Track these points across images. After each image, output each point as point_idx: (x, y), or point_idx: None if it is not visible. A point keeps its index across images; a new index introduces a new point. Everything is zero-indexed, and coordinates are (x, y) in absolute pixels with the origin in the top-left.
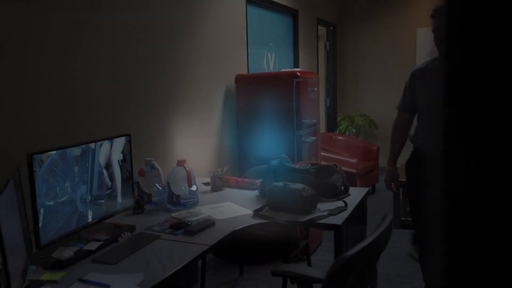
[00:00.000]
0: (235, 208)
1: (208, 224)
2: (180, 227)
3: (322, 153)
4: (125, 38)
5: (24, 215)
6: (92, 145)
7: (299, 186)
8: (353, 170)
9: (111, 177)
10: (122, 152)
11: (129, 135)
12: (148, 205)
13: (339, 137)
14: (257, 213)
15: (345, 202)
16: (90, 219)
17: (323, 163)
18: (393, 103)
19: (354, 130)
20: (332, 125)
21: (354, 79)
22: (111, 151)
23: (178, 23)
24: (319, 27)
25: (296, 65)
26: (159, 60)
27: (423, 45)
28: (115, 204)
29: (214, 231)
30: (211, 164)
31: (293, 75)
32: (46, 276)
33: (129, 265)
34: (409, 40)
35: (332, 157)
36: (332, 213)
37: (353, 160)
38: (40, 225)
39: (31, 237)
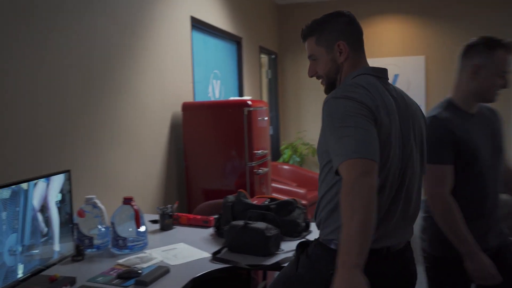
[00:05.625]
0: (190, 250)
1: (162, 272)
2: (130, 276)
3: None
4: (64, 65)
5: None
6: (24, 185)
7: (261, 225)
8: (304, 201)
9: (47, 221)
10: (61, 192)
11: (69, 171)
12: (89, 250)
13: (284, 166)
14: (215, 256)
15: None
16: (20, 274)
17: (282, 197)
18: None
19: (298, 159)
20: (276, 153)
21: (296, 107)
22: (47, 191)
23: (122, 49)
24: (261, 55)
25: (241, 93)
26: (101, 88)
27: None
28: (51, 253)
29: (170, 280)
30: (157, 200)
31: (243, 104)
32: None
33: None
34: None
35: (282, 188)
36: None
37: (302, 191)
38: None
39: None
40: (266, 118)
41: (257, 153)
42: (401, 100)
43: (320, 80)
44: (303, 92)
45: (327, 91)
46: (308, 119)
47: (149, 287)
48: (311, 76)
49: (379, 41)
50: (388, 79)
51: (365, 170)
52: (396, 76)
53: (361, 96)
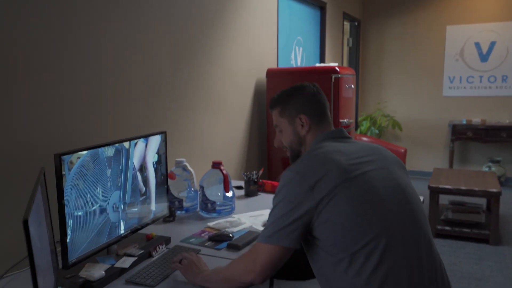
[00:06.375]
0: None
1: (253, 237)
2: (222, 239)
3: None
4: (158, 32)
5: (50, 229)
6: (126, 144)
7: None
8: None
9: (146, 181)
10: (157, 153)
11: (165, 133)
12: (178, 212)
13: (364, 138)
14: None
15: None
16: (122, 231)
17: None
18: (418, 104)
19: (377, 131)
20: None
21: (377, 78)
22: (146, 151)
23: (211, 16)
24: (344, 22)
25: (322, 60)
26: (192, 53)
27: (452, 43)
28: (148, 213)
29: None
30: (240, 166)
31: (331, 70)
32: None
33: None
34: (438, 38)
35: None
36: None
37: None
38: (68, 239)
39: (57, 254)
40: (352, 86)
41: (343, 121)
42: (372, 151)
43: (284, 148)
44: (385, 62)
45: (291, 161)
46: (389, 90)
47: (242, 251)
48: (277, 146)
49: (474, 5)
50: (348, 137)
51: (270, 256)
52: (492, 43)
53: (309, 170)
